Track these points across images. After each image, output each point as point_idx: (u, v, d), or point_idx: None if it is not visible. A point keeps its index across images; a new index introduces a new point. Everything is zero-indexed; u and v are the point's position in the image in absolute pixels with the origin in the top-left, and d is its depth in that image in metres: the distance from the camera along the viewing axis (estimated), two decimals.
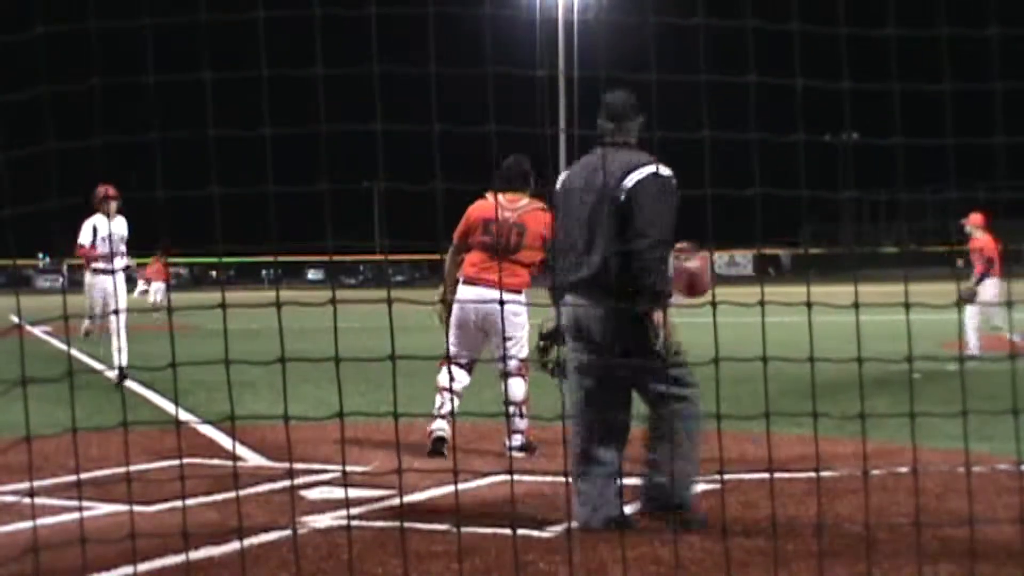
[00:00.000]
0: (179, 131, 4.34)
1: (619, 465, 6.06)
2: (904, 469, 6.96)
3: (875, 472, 6.97)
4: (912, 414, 4.65)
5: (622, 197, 5.88)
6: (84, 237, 14.37)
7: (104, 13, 4.12)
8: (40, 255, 70.96)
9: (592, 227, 5.96)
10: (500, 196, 8.58)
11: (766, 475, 6.78)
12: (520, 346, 8.53)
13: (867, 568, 4.94)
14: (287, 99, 5.09)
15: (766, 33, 4.34)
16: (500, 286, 8.06)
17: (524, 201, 8.66)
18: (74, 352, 17.85)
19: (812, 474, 6.84)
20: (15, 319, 5.09)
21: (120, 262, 15.01)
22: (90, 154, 4.27)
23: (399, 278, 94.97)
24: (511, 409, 8.44)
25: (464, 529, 5.42)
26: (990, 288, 16.55)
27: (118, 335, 13.89)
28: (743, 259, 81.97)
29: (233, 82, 4.21)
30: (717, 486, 6.83)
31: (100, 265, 14.39)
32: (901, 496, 6.51)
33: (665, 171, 5.92)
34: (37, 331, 22.93)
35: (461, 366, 8.61)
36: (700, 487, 6.20)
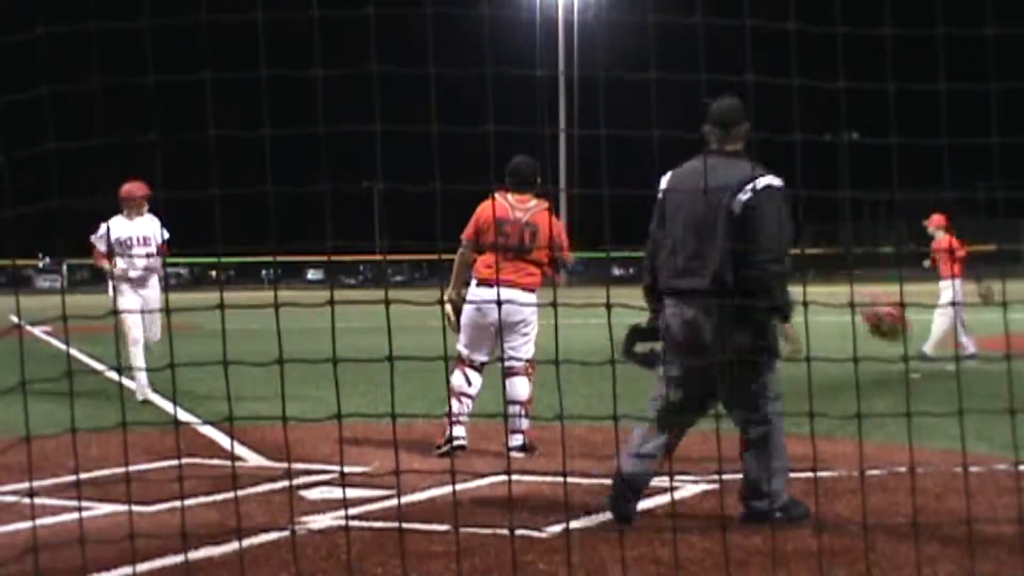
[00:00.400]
0: (179, 131, 4.34)
1: (660, 459, 6.14)
2: (903, 469, 6.96)
3: (874, 472, 6.98)
4: (909, 414, 4.65)
5: (738, 210, 5.87)
6: (96, 238, 12.85)
7: (105, 14, 4.12)
8: (40, 255, 71.00)
9: (702, 236, 5.95)
10: (510, 196, 8.62)
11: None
12: (530, 345, 8.57)
13: (867, 568, 4.94)
14: (287, 100, 5.09)
15: (766, 32, 4.34)
16: (517, 285, 8.23)
17: (533, 202, 8.66)
18: (74, 352, 17.87)
19: (813, 474, 6.85)
20: (15, 319, 5.09)
21: (139, 270, 12.81)
22: (91, 155, 4.27)
23: (399, 278, 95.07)
24: (514, 408, 8.44)
25: (463, 529, 5.42)
26: (948, 290, 16.32)
27: (138, 353, 12.40)
28: None
29: (233, 83, 4.21)
30: (717, 486, 6.84)
31: (119, 275, 12.69)
32: (900, 496, 6.52)
33: (777, 182, 5.94)
34: (37, 331, 22.93)
35: (476, 368, 8.61)
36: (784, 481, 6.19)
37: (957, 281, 16.25)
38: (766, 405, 6.05)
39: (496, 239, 8.41)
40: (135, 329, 12.42)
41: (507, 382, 8.49)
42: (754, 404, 6.06)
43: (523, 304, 8.17)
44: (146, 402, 12.14)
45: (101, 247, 12.83)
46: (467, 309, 8.58)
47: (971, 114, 4.56)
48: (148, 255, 12.79)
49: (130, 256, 12.73)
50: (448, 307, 8.66)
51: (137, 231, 12.80)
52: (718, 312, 5.83)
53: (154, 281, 13.00)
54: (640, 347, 6.31)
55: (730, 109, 6.11)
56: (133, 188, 12.52)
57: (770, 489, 6.03)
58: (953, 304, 14.85)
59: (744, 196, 5.87)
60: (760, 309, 5.86)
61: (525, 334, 8.53)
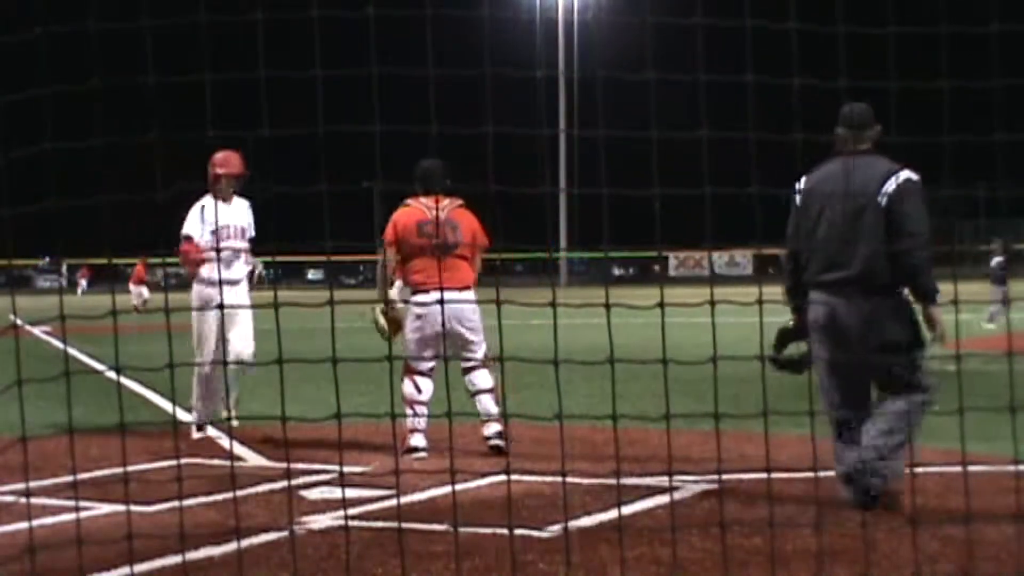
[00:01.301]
0: (179, 132, 4.34)
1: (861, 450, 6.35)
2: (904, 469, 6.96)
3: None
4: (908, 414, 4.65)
5: (883, 202, 6.24)
6: (191, 226, 9.45)
7: (104, 15, 4.12)
8: (42, 256, 71.02)
9: (851, 231, 6.28)
10: (422, 199, 8.66)
11: (765, 475, 6.78)
12: (483, 344, 8.59)
13: (867, 568, 4.94)
14: (287, 100, 5.08)
15: (765, 32, 4.33)
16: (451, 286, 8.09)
17: (446, 201, 8.69)
18: (75, 352, 17.87)
19: (812, 474, 6.84)
20: (15, 319, 5.08)
21: (240, 266, 9.67)
22: (90, 155, 4.26)
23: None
24: (483, 397, 8.49)
25: (463, 529, 5.42)
26: None
27: (224, 382, 8.62)
28: (743, 259, 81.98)
29: (233, 83, 4.21)
30: (716, 486, 6.84)
31: (209, 274, 9.32)
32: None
33: (915, 175, 6.33)
34: (37, 331, 22.93)
35: (426, 375, 8.57)
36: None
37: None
38: (917, 390, 6.34)
39: (419, 241, 8.45)
40: (213, 352, 8.55)
41: (468, 377, 8.57)
42: (905, 389, 6.33)
43: (465, 303, 8.31)
44: (203, 436, 8.97)
45: (201, 236, 9.46)
46: (411, 319, 8.54)
47: (964, 112, 4.56)
48: (243, 251, 9.70)
49: (227, 250, 9.43)
50: (381, 317, 8.69)
51: (233, 219, 9.64)
52: (870, 298, 6.22)
53: (245, 286, 9.76)
54: (790, 349, 6.62)
55: (863, 113, 6.44)
56: (231, 157, 9.32)
57: (889, 470, 6.25)
58: None
59: (889, 188, 6.25)
60: (919, 292, 6.27)
61: (475, 330, 8.56)
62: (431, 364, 8.51)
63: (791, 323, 6.63)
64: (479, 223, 8.76)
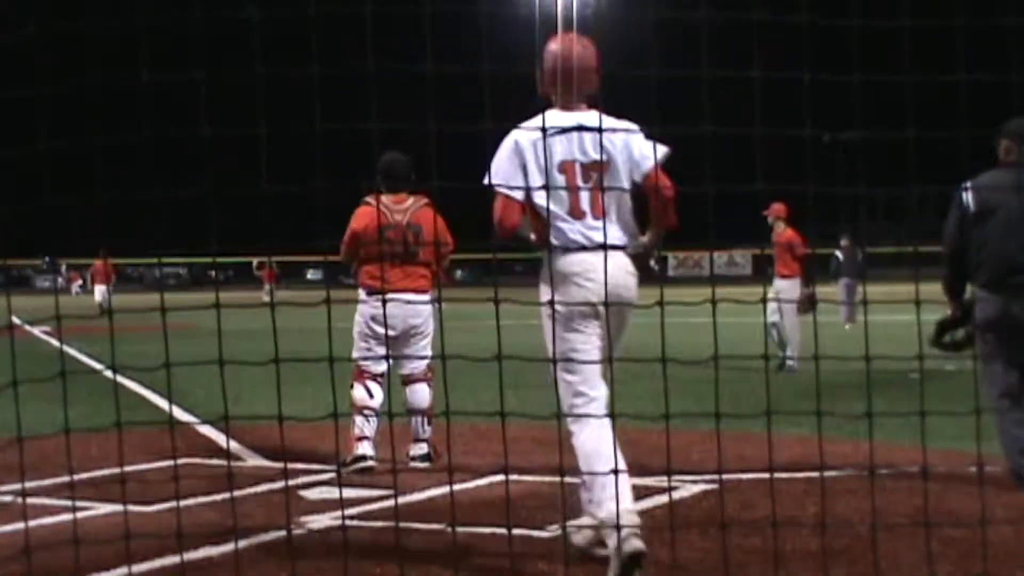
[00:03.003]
0: (175, 130, 4.33)
1: None
2: (904, 469, 6.96)
3: (875, 472, 6.97)
4: (901, 414, 4.64)
5: None
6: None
7: (101, 11, 4.11)
8: (42, 256, 71.05)
9: None
10: (384, 199, 8.27)
11: (765, 475, 6.78)
12: (428, 348, 8.31)
13: (866, 568, 4.93)
14: (284, 98, 5.08)
15: (767, 29, 4.32)
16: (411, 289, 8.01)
17: (410, 200, 8.32)
18: (73, 352, 17.87)
19: (811, 474, 6.84)
20: (16, 320, 5.07)
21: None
22: (89, 154, 4.26)
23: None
24: (416, 417, 8.21)
25: (461, 529, 5.41)
26: (793, 291, 14.62)
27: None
28: (743, 259, 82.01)
29: (229, 81, 4.20)
30: (716, 486, 6.84)
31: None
32: (900, 496, 6.51)
33: None
34: (36, 331, 22.93)
35: (378, 379, 8.19)
36: None
37: (796, 282, 14.80)
38: None
39: (380, 247, 7.99)
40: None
41: (408, 390, 8.30)
42: None
43: (418, 305, 8.01)
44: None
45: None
46: (360, 320, 8.23)
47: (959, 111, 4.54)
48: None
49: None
50: None
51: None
52: None
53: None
54: (948, 337, 7.11)
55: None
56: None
57: None
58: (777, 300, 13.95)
59: None
60: None
61: (424, 334, 8.25)
62: (383, 368, 8.14)
63: (950, 314, 7.08)
64: (445, 223, 8.31)
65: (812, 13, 4.31)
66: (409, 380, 8.34)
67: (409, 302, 8.04)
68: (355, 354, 8.15)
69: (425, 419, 8.29)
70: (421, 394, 8.32)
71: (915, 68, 4.28)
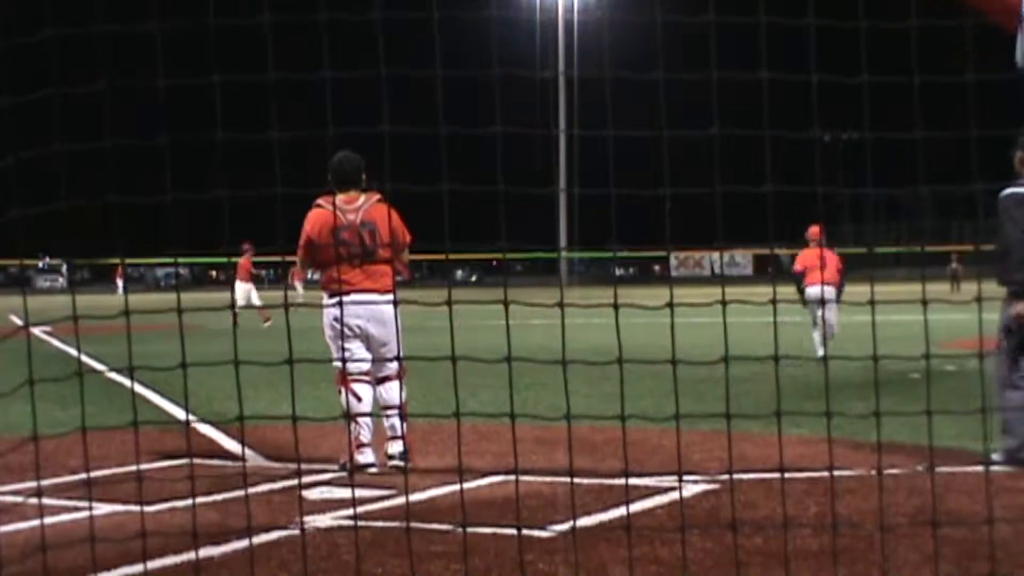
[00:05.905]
0: (185, 134, 4.36)
1: None
2: (901, 469, 6.99)
3: (873, 472, 7.00)
4: (908, 413, 4.67)
5: None
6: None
7: (111, 16, 4.15)
8: (41, 255, 71.04)
9: None
10: (336, 199, 8.09)
11: (765, 475, 6.82)
12: (397, 347, 7.85)
13: (867, 568, 4.96)
14: (294, 102, 5.11)
15: (767, 29, 4.35)
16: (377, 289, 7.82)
17: (362, 198, 8.18)
18: (71, 351, 17.86)
19: (811, 474, 6.87)
20: (17, 320, 5.10)
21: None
22: (97, 156, 4.29)
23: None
24: (391, 414, 7.98)
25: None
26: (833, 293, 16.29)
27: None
28: (743, 259, 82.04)
29: (240, 85, 4.23)
30: (717, 486, 6.88)
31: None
32: (900, 496, 6.54)
33: None
34: (38, 331, 22.94)
35: (362, 379, 8.00)
36: None
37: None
38: None
39: (337, 250, 7.86)
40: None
41: (380, 388, 8.11)
42: None
43: (382, 304, 7.81)
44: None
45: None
46: (327, 325, 7.99)
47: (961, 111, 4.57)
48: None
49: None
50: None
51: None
52: None
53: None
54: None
55: None
56: None
57: None
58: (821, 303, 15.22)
59: None
60: None
61: (390, 333, 7.99)
62: (366, 367, 7.97)
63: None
64: (400, 218, 8.03)
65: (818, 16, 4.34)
66: (383, 379, 8.13)
67: (372, 302, 7.88)
68: (334, 358, 7.84)
69: (399, 416, 8.03)
70: (393, 392, 8.10)
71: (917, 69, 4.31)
